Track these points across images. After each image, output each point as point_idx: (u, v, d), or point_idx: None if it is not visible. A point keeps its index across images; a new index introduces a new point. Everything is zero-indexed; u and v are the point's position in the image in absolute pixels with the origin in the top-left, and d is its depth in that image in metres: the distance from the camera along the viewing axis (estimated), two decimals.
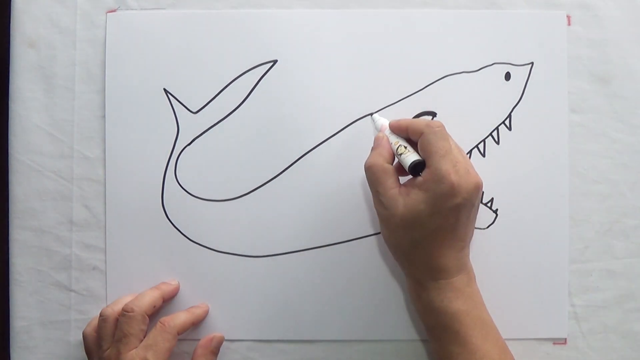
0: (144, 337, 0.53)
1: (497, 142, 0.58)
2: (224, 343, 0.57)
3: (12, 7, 0.58)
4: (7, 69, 0.58)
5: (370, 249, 0.58)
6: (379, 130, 0.55)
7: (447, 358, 0.50)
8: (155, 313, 0.56)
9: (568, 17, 0.58)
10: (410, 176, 0.50)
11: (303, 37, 0.58)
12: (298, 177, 0.58)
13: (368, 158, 0.52)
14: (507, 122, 0.58)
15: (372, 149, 0.53)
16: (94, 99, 0.58)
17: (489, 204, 0.58)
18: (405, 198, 0.49)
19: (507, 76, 0.58)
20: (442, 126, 0.50)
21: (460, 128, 0.57)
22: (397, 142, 0.52)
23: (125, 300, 0.55)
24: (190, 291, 0.58)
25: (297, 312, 0.58)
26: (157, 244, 0.58)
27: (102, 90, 0.58)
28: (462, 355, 0.49)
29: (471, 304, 0.50)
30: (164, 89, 0.58)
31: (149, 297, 0.55)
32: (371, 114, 0.57)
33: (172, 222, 0.58)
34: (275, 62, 0.58)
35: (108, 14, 0.58)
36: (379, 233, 0.58)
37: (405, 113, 0.58)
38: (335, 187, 0.58)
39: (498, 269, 0.58)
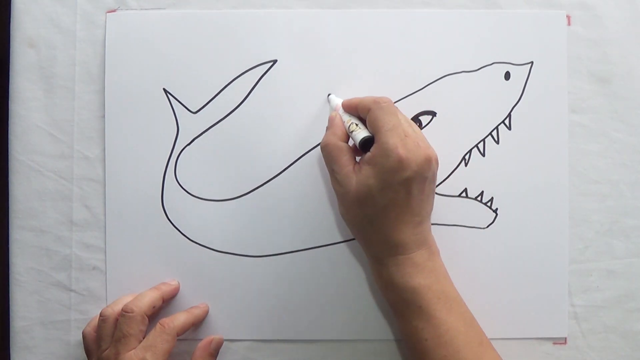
0: (144, 338, 0.53)
1: (497, 142, 0.58)
2: (224, 343, 0.57)
3: (12, 7, 0.58)
4: (7, 69, 0.58)
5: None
6: (333, 107, 0.55)
7: (411, 334, 0.50)
8: (155, 313, 0.56)
9: (568, 17, 0.58)
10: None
11: (303, 37, 0.58)
12: (298, 177, 0.58)
13: (323, 137, 0.52)
14: (507, 121, 0.58)
15: (327, 128, 0.53)
16: (94, 99, 0.58)
17: (489, 204, 0.58)
18: (358, 175, 0.49)
19: (507, 76, 0.58)
20: (390, 101, 0.51)
21: (460, 128, 0.58)
22: (349, 120, 0.53)
23: (125, 300, 0.55)
24: (190, 291, 0.58)
25: (297, 312, 0.58)
26: (157, 244, 0.58)
27: (102, 90, 0.58)
28: (426, 329, 0.49)
29: (433, 278, 0.50)
30: (164, 89, 0.58)
31: (148, 298, 0.55)
32: (328, 95, 0.57)
33: (172, 222, 0.58)
34: (275, 62, 0.58)
35: (108, 14, 0.58)
36: None
37: (405, 113, 0.57)
38: None
39: (498, 269, 0.58)
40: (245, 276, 0.58)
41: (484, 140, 0.58)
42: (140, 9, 0.58)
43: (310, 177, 0.58)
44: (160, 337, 0.53)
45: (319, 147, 0.53)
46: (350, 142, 0.52)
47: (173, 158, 0.58)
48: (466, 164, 0.58)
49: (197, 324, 0.58)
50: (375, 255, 0.51)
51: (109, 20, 0.58)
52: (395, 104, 0.57)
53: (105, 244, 0.58)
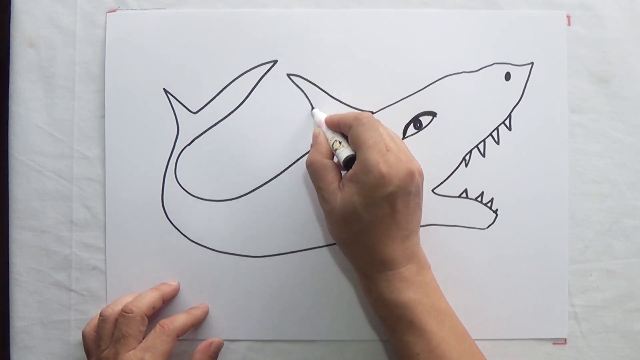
0: (143, 338, 0.54)
1: (497, 142, 0.58)
2: (224, 343, 0.57)
3: (12, 7, 0.58)
4: (7, 69, 0.58)
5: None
6: (317, 123, 0.55)
7: (403, 348, 0.50)
8: (154, 314, 0.56)
9: (568, 17, 0.58)
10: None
11: (303, 37, 0.58)
12: (298, 177, 0.58)
13: (309, 155, 0.52)
14: (507, 122, 0.58)
15: (311, 146, 0.54)
16: (94, 99, 0.58)
17: (489, 204, 0.58)
18: (342, 192, 0.50)
19: (507, 76, 0.58)
20: (371, 117, 0.51)
21: (460, 128, 0.58)
22: (332, 137, 0.53)
23: (125, 300, 0.55)
24: (190, 291, 0.58)
25: (297, 312, 0.58)
26: (157, 244, 0.58)
27: (102, 90, 0.58)
28: (418, 344, 0.49)
29: (423, 292, 0.50)
30: (164, 89, 0.58)
31: (148, 298, 0.55)
32: (312, 108, 0.57)
33: (172, 222, 0.58)
34: (275, 62, 0.58)
35: (108, 14, 0.58)
36: None
37: (405, 113, 0.58)
38: None
39: (498, 269, 0.58)
40: (245, 276, 0.58)
41: (484, 140, 0.58)
42: (140, 9, 0.58)
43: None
44: (160, 338, 0.53)
45: (305, 162, 0.53)
46: (335, 159, 0.52)
47: (173, 158, 0.58)
48: (466, 165, 0.58)
49: (197, 325, 0.57)
50: (364, 271, 0.51)
51: (109, 20, 0.58)
52: (396, 104, 0.58)
53: (105, 244, 0.58)
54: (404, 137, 0.58)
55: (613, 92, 0.59)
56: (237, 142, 0.58)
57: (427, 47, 0.58)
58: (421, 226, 0.57)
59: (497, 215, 0.58)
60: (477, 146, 0.58)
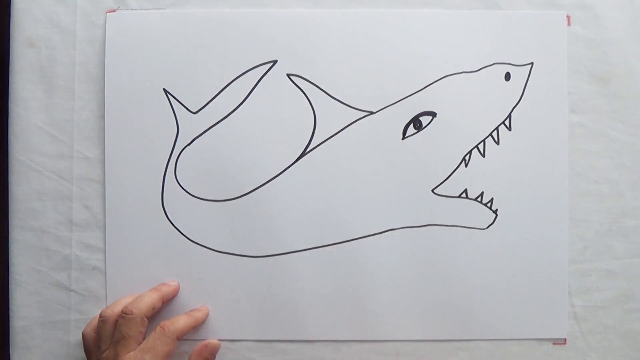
0: (143, 340, 0.54)
1: (497, 142, 0.58)
2: (224, 343, 0.57)
3: (12, 7, 0.58)
4: (7, 69, 0.58)
5: (371, 248, 0.58)
6: None
7: None
8: (154, 314, 0.56)
9: (568, 17, 0.58)
10: None
11: (303, 37, 0.58)
12: (298, 177, 0.58)
13: None
14: (507, 122, 0.58)
15: None
16: (93, 99, 0.58)
17: (488, 204, 0.58)
18: None
19: (507, 76, 0.58)
20: None
21: (460, 128, 0.58)
22: None
23: (125, 301, 0.55)
24: (190, 291, 0.58)
25: (297, 312, 0.58)
26: (157, 244, 0.58)
27: (102, 90, 0.58)
28: None
29: None
30: (164, 89, 0.58)
31: (148, 299, 0.55)
32: None
33: (172, 222, 0.58)
34: (275, 62, 0.58)
35: (108, 14, 0.58)
36: (380, 233, 0.58)
37: (405, 113, 0.58)
38: (336, 187, 0.58)
39: (498, 269, 0.58)
40: (245, 276, 0.58)
41: (484, 140, 0.58)
42: (140, 9, 0.58)
43: (310, 177, 0.58)
44: (160, 340, 0.53)
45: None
46: None
47: (173, 158, 0.58)
48: (466, 165, 0.58)
49: (197, 327, 0.57)
50: None
51: (109, 20, 0.58)
52: (396, 104, 0.58)
53: (105, 244, 0.58)
54: (404, 137, 0.58)
55: (613, 92, 0.59)
56: (237, 142, 0.58)
57: (427, 47, 0.58)
58: (421, 226, 0.58)
59: (497, 215, 0.58)
60: (477, 146, 0.58)
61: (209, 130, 0.58)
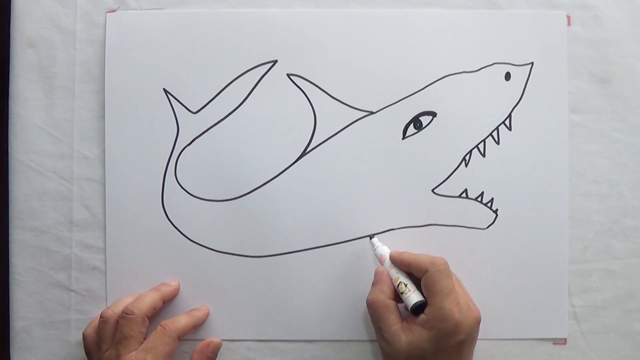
0: (144, 340, 0.54)
1: (497, 142, 0.58)
2: (224, 343, 0.57)
3: (12, 7, 0.58)
4: (7, 69, 0.58)
5: (370, 249, 0.58)
6: (378, 258, 0.55)
7: None
8: (155, 314, 0.56)
9: (568, 17, 0.58)
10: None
11: (303, 37, 0.58)
12: (298, 177, 0.58)
13: (370, 293, 0.53)
14: (507, 122, 0.58)
15: (373, 283, 0.53)
16: (94, 99, 0.58)
17: (489, 204, 0.58)
18: (408, 335, 0.50)
19: (507, 76, 0.58)
20: (446, 263, 0.51)
21: (460, 128, 0.58)
22: (397, 278, 0.53)
23: (126, 301, 0.55)
24: (190, 291, 0.58)
25: (297, 312, 0.58)
26: (157, 244, 0.58)
27: (102, 90, 0.58)
28: None
29: None
30: (164, 89, 0.58)
31: (149, 299, 0.55)
32: (370, 237, 0.57)
33: (172, 222, 0.58)
34: (275, 62, 0.58)
35: (108, 14, 0.58)
36: (379, 233, 0.58)
37: (405, 113, 0.58)
38: (336, 187, 0.58)
39: (498, 268, 0.58)
40: (245, 276, 0.58)
41: (484, 140, 0.58)
42: (140, 9, 0.58)
43: (311, 177, 0.58)
44: (161, 340, 0.53)
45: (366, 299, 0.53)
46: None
47: (173, 158, 0.58)
48: (466, 165, 0.58)
49: (198, 326, 0.57)
50: None
51: (109, 20, 0.58)
52: (396, 104, 0.58)
53: (105, 244, 0.58)
54: (404, 137, 0.58)
55: (613, 92, 0.59)
56: (237, 142, 0.58)
57: (427, 47, 0.58)
58: (421, 226, 0.58)
59: (497, 215, 0.58)
60: (477, 146, 0.58)
61: (209, 131, 0.58)
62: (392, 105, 0.58)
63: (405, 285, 0.52)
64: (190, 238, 0.58)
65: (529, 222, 0.58)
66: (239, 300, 0.58)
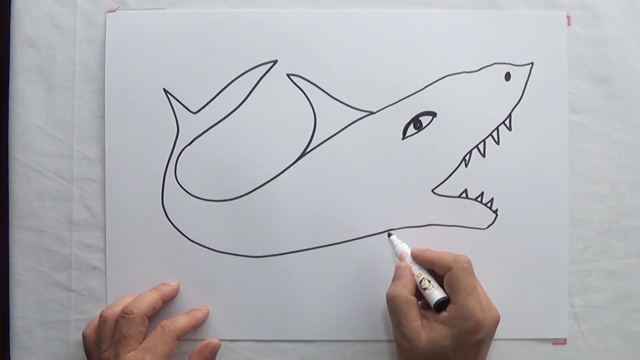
0: (144, 339, 0.54)
1: (497, 142, 0.58)
2: (224, 343, 0.57)
3: (12, 7, 0.58)
4: (7, 69, 0.58)
5: (371, 248, 0.58)
6: (398, 255, 0.55)
7: None
8: (155, 314, 0.56)
9: (568, 17, 0.58)
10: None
11: (303, 37, 0.58)
12: (298, 177, 0.58)
13: (391, 288, 0.52)
14: (507, 122, 0.58)
15: (394, 278, 0.53)
16: (94, 99, 0.58)
17: (489, 204, 0.58)
18: (429, 332, 0.50)
19: (507, 76, 0.58)
20: (469, 262, 0.52)
21: (460, 128, 0.58)
22: (420, 274, 0.53)
23: (126, 301, 0.55)
24: (190, 291, 0.58)
25: (297, 312, 0.58)
26: (157, 244, 0.58)
27: (102, 90, 0.58)
28: None
29: None
30: (164, 89, 0.58)
31: (148, 299, 0.55)
32: (388, 234, 0.57)
33: (172, 222, 0.58)
34: (275, 62, 0.58)
35: (108, 14, 0.58)
36: (379, 233, 0.58)
37: (405, 113, 0.58)
38: (336, 187, 0.58)
39: (498, 269, 0.58)
40: (245, 276, 0.58)
41: (484, 140, 0.58)
42: (140, 9, 0.58)
43: (311, 177, 0.58)
44: (160, 339, 0.53)
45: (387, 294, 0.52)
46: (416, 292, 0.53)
47: (173, 158, 0.58)
48: (466, 165, 0.58)
49: (198, 327, 0.57)
50: None
51: (109, 20, 0.58)
52: (396, 104, 0.58)
53: (105, 244, 0.58)
54: (404, 137, 0.58)
55: (613, 92, 0.59)
56: (237, 142, 0.58)
57: (427, 47, 0.58)
58: (421, 226, 0.58)
59: (497, 215, 0.58)
60: (477, 146, 0.58)
61: (209, 131, 0.58)
62: (392, 105, 0.58)
63: (429, 282, 0.52)
64: (190, 238, 0.58)
65: (529, 222, 0.58)
66: (239, 300, 0.58)
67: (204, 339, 0.57)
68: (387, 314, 0.58)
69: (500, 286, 0.58)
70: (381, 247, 0.58)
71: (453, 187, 0.58)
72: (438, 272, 0.52)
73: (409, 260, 0.54)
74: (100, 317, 0.54)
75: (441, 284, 0.52)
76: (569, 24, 0.58)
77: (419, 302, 0.52)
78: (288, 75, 0.58)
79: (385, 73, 0.58)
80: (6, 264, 0.59)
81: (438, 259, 0.52)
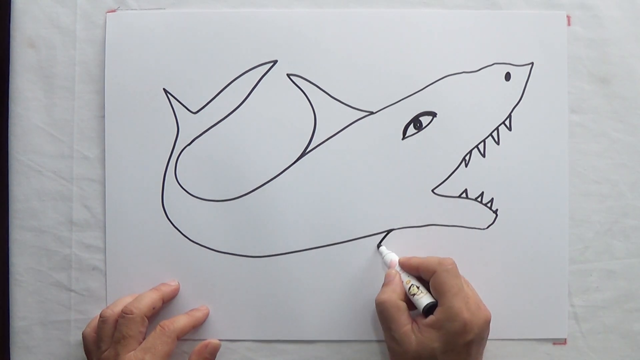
0: (143, 339, 0.54)
1: (497, 143, 0.58)
2: (224, 343, 0.57)
3: (12, 7, 0.58)
4: (7, 69, 0.58)
5: (371, 248, 0.58)
6: (387, 264, 0.56)
7: None
8: (154, 314, 0.56)
9: (568, 17, 0.58)
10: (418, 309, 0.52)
11: (303, 37, 0.58)
12: (298, 177, 0.58)
13: (380, 293, 0.53)
14: (507, 122, 0.58)
15: (384, 284, 0.54)
16: (94, 99, 0.58)
17: (489, 204, 0.58)
18: (418, 335, 0.50)
19: (507, 76, 0.58)
20: (454, 263, 0.52)
21: (460, 128, 0.58)
22: (408, 280, 0.53)
23: (125, 301, 0.55)
24: (190, 291, 0.58)
25: (297, 312, 0.58)
26: (157, 244, 0.58)
27: (102, 90, 0.58)
28: None
29: None
30: (164, 89, 0.58)
31: (148, 299, 0.55)
32: (378, 246, 0.57)
33: (172, 222, 0.58)
34: (275, 62, 0.58)
35: (108, 14, 0.58)
36: (379, 233, 0.58)
37: (405, 113, 0.58)
38: (336, 187, 0.58)
39: (498, 269, 0.58)
40: (245, 276, 0.58)
41: (484, 141, 0.58)
42: (140, 9, 0.58)
43: (310, 177, 0.58)
44: (160, 339, 0.53)
45: (376, 299, 0.53)
46: (406, 298, 0.53)
47: (173, 158, 0.58)
48: (466, 165, 0.58)
49: (197, 327, 0.57)
50: None
51: (109, 20, 0.58)
52: (396, 105, 0.58)
53: (105, 244, 0.58)
54: (404, 137, 0.58)
55: (613, 92, 0.59)
56: (237, 142, 0.58)
57: (427, 47, 0.58)
58: (421, 226, 0.58)
59: (497, 215, 0.58)
60: (477, 146, 0.58)
61: (209, 131, 0.58)
62: (392, 106, 0.58)
63: (417, 288, 0.52)
64: (190, 238, 0.58)
65: (529, 222, 0.58)
66: (238, 300, 0.58)
67: (203, 339, 0.57)
68: None
69: (500, 286, 0.58)
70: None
71: (453, 187, 0.58)
72: (424, 277, 0.53)
73: (397, 268, 0.55)
74: (100, 317, 0.54)
75: (430, 291, 0.52)
76: (569, 24, 0.58)
77: (410, 312, 0.52)
78: (288, 75, 0.58)
79: (385, 73, 0.58)
80: (6, 264, 0.59)
81: (423, 264, 0.53)
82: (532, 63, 0.58)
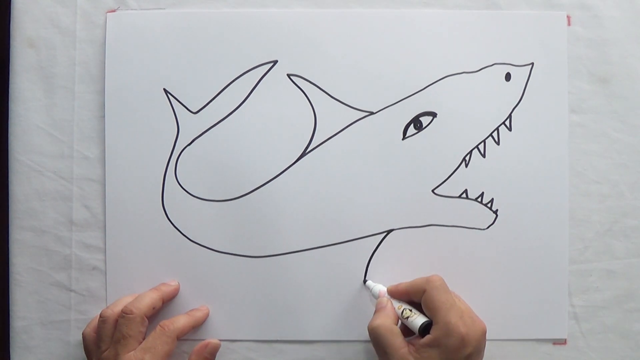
0: (143, 339, 0.54)
1: (497, 143, 0.58)
2: (224, 343, 0.57)
3: (12, 7, 0.58)
4: (7, 69, 0.58)
5: (371, 249, 0.58)
6: (377, 296, 0.55)
7: None
8: (154, 314, 0.56)
9: (568, 17, 0.58)
10: (413, 334, 0.52)
11: (303, 37, 0.58)
12: (298, 177, 0.58)
13: (373, 320, 0.52)
14: (507, 122, 0.58)
15: (376, 312, 0.54)
16: (94, 99, 0.58)
17: (489, 205, 0.58)
18: (417, 356, 0.49)
19: (508, 76, 0.58)
20: (442, 280, 0.52)
21: (460, 129, 0.58)
22: (400, 305, 0.53)
23: (125, 301, 0.55)
24: (190, 291, 0.58)
25: (297, 312, 0.58)
26: (157, 244, 0.58)
27: (102, 90, 0.58)
28: None
29: None
30: (164, 89, 0.58)
31: (148, 299, 0.55)
32: (364, 281, 0.58)
33: (172, 222, 0.58)
34: (275, 62, 0.58)
35: (108, 14, 0.58)
36: (379, 233, 0.58)
37: (405, 113, 0.58)
38: (336, 187, 0.58)
39: (498, 269, 0.58)
40: (246, 276, 0.58)
41: (484, 141, 0.58)
42: (140, 9, 0.58)
43: (311, 177, 0.58)
44: (160, 339, 0.53)
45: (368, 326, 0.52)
46: (399, 324, 0.53)
47: (173, 158, 0.58)
48: (466, 165, 0.58)
49: (198, 327, 0.57)
50: None
51: (109, 20, 0.58)
52: (396, 105, 0.58)
53: (105, 244, 0.58)
54: (404, 137, 0.58)
55: (613, 92, 0.59)
56: (237, 142, 0.58)
57: (427, 47, 0.58)
58: (421, 226, 0.58)
59: (497, 215, 0.58)
60: (477, 146, 0.58)
61: (209, 131, 0.58)
62: (392, 106, 0.58)
63: (410, 310, 0.52)
64: (190, 238, 0.58)
65: (529, 223, 0.58)
66: (238, 300, 0.58)
67: (203, 339, 0.57)
68: None
69: (500, 286, 0.58)
70: (381, 247, 0.58)
71: (453, 187, 0.58)
72: (415, 298, 0.53)
73: (387, 297, 0.55)
74: (100, 317, 0.54)
75: (422, 312, 0.52)
76: (569, 24, 0.58)
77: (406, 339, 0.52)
78: (288, 75, 0.58)
79: (385, 73, 0.58)
80: (6, 264, 0.59)
81: (412, 285, 0.53)
82: (532, 63, 0.58)
